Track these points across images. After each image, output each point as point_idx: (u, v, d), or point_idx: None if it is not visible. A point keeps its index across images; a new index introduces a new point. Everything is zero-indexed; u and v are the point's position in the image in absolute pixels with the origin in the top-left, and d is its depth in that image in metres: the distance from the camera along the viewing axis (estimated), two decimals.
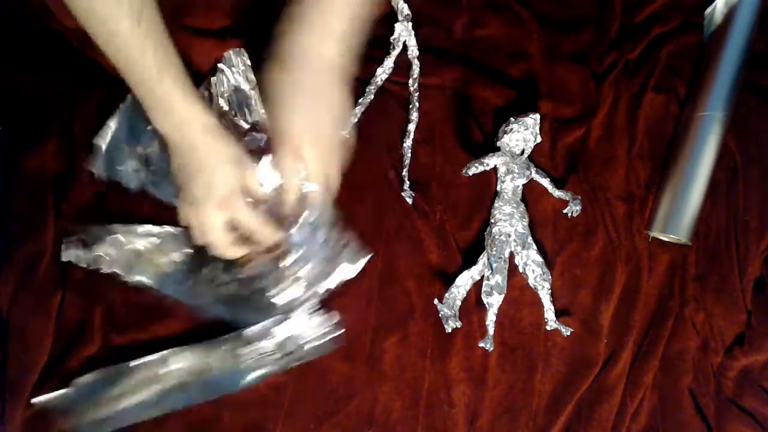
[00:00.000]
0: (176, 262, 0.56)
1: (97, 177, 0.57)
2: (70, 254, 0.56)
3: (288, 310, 0.55)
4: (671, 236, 0.58)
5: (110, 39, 0.45)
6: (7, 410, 0.53)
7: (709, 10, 0.65)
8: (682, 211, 0.58)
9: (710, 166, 0.58)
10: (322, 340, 0.55)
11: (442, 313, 0.57)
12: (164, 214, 0.57)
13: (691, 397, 0.58)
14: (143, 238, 0.56)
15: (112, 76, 0.60)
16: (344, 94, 0.50)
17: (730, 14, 0.61)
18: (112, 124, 0.57)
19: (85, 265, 0.56)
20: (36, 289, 0.56)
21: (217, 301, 0.56)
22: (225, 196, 0.49)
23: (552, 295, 0.57)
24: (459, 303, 0.57)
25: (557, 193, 0.59)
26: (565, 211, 0.60)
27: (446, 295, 0.57)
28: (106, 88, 0.61)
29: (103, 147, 0.57)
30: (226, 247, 0.52)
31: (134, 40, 0.45)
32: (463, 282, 0.57)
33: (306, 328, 0.55)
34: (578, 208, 0.59)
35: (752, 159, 0.61)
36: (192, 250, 0.56)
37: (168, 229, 0.56)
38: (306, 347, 0.55)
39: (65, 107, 0.61)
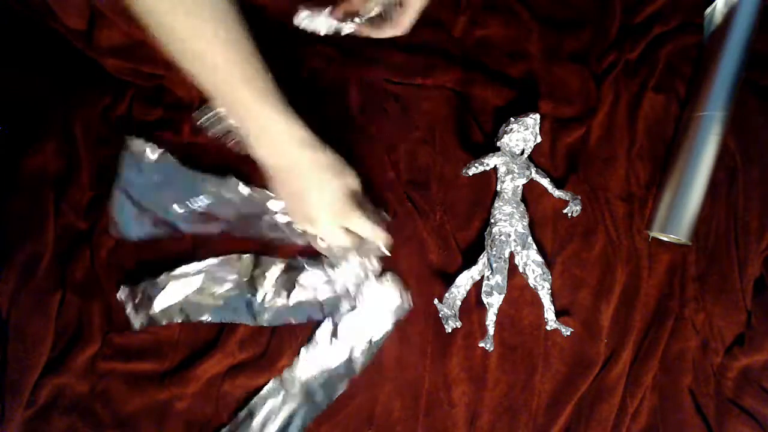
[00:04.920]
0: (228, 290, 0.57)
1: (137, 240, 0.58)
2: (139, 318, 0.56)
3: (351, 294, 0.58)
4: (671, 236, 0.58)
5: (197, 63, 0.42)
6: (7, 410, 0.53)
7: (709, 10, 0.65)
8: (682, 211, 0.58)
9: (710, 166, 0.58)
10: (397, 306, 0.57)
11: (442, 313, 0.57)
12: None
13: (691, 397, 0.58)
14: (193, 277, 0.57)
15: (112, 77, 0.61)
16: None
17: (730, 14, 0.61)
18: (117, 192, 0.58)
19: (159, 323, 0.56)
20: (36, 289, 0.56)
21: (278, 312, 0.57)
22: (337, 209, 0.50)
23: (552, 295, 0.57)
24: (459, 303, 0.57)
25: (557, 193, 0.59)
26: (565, 211, 0.60)
27: (446, 295, 0.57)
28: (107, 88, 0.62)
29: (116, 215, 0.58)
30: (348, 244, 0.54)
31: (225, 66, 0.42)
32: (463, 282, 0.57)
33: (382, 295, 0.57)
34: (578, 208, 0.59)
35: (752, 159, 0.61)
36: (238, 276, 0.57)
37: (210, 261, 0.57)
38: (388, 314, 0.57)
39: (65, 107, 0.61)
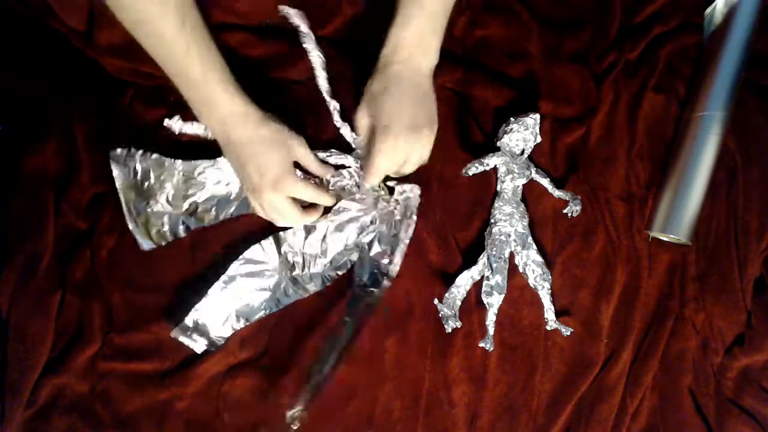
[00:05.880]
0: (268, 278, 0.57)
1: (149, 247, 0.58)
2: (201, 344, 0.56)
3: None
4: (671, 236, 0.58)
5: (154, 40, 0.46)
6: (7, 410, 0.54)
7: (709, 10, 0.65)
8: (682, 211, 0.58)
9: (710, 166, 0.58)
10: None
11: (442, 313, 0.57)
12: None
13: (691, 397, 0.58)
14: (228, 287, 0.56)
15: (112, 76, 0.61)
16: (433, 94, 0.55)
17: (730, 14, 0.61)
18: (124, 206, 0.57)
19: (223, 341, 0.56)
20: (36, 289, 0.56)
21: (324, 274, 0.58)
22: (276, 178, 0.52)
23: (552, 295, 0.57)
24: (459, 303, 0.57)
25: (557, 193, 0.59)
26: (565, 211, 0.60)
27: (446, 295, 0.57)
28: (106, 88, 0.62)
29: (134, 231, 0.57)
30: (297, 219, 0.56)
31: (178, 41, 0.46)
32: (463, 282, 0.57)
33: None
34: (578, 208, 0.59)
35: (752, 159, 0.61)
36: (269, 262, 0.57)
37: (234, 266, 0.56)
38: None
39: (65, 107, 0.61)
